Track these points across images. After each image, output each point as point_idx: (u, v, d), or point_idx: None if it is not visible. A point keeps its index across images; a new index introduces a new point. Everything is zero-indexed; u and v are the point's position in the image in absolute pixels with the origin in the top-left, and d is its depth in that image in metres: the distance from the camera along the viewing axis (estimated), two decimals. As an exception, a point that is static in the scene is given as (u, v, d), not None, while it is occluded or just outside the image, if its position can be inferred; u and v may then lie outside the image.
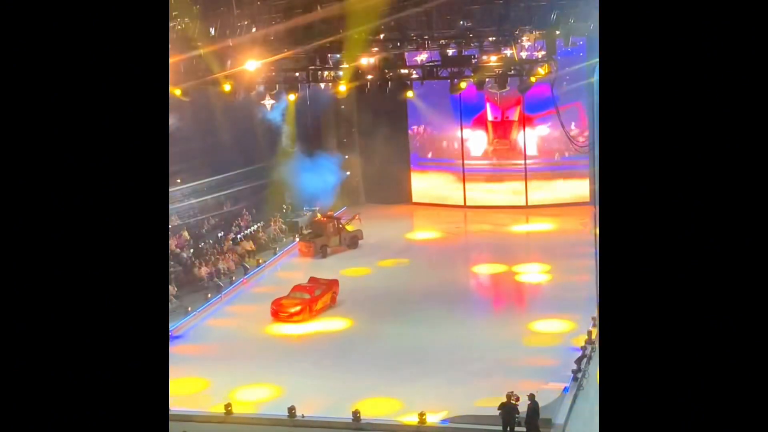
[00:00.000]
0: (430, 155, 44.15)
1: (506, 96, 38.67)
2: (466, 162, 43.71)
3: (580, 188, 41.30)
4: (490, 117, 43.98)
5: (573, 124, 41.28)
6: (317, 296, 28.06)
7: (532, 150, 43.66)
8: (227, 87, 26.77)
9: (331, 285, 29.07)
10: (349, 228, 36.86)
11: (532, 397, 18.95)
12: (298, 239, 36.61)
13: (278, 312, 27.58)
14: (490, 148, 43.88)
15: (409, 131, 43.66)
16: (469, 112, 43.77)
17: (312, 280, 29.35)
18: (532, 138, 43.62)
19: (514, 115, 43.65)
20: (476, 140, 44.12)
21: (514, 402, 18.91)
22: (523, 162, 43.48)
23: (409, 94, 32.86)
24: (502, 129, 44.02)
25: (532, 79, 28.37)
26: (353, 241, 36.52)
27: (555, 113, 34.94)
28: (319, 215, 38.13)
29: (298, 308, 27.45)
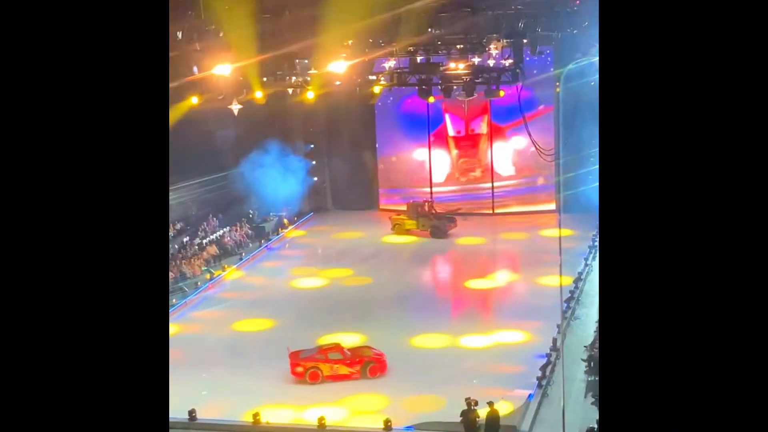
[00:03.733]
0: (394, 185, 40.59)
1: (471, 104, 36.86)
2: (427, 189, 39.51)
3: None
4: (451, 132, 39.24)
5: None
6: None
7: (506, 169, 38.89)
8: (194, 100, 26.85)
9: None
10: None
11: (491, 404, 18.88)
12: None
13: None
14: (456, 170, 39.30)
15: (377, 148, 40.89)
16: (423, 126, 38.63)
17: (337, 347, 23.61)
18: (506, 153, 38.90)
19: (481, 128, 38.89)
20: (437, 162, 39.55)
21: (473, 407, 18.87)
22: (491, 185, 38.72)
23: (376, 89, 32.95)
24: (467, 145, 39.26)
25: (501, 93, 28.47)
26: (437, 231, 36.59)
27: (530, 120, 33.99)
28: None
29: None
